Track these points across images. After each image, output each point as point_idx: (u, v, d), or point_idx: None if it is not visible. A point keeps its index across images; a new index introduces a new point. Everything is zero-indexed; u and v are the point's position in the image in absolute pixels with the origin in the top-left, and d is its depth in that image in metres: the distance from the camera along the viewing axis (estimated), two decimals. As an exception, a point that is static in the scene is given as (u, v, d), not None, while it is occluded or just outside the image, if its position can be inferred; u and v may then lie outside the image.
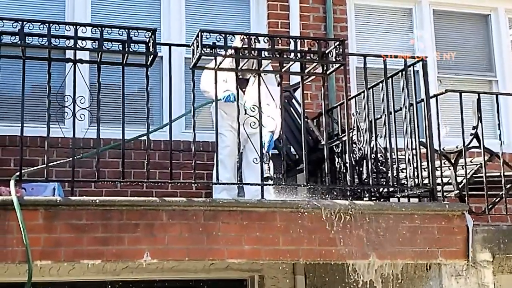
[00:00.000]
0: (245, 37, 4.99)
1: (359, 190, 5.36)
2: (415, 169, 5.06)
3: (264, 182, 4.77)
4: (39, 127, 5.28)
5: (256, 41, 4.88)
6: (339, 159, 5.87)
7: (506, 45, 7.80)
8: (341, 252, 4.67)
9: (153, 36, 4.60)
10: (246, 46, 4.78)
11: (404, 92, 5.15)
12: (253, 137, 5.06)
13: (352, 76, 7.08)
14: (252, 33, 6.62)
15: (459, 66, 7.67)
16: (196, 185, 4.85)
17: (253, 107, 4.77)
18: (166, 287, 6.26)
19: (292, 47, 4.85)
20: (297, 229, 4.61)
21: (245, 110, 4.94)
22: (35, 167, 4.78)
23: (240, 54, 4.75)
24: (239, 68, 4.81)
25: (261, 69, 4.82)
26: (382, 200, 5.29)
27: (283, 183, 4.91)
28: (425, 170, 5.10)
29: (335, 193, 5.33)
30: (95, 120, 4.53)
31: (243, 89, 5.76)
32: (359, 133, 5.45)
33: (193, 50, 4.74)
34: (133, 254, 4.35)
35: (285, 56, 4.89)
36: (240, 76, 5.41)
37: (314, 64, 4.97)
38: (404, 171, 5.20)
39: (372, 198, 5.33)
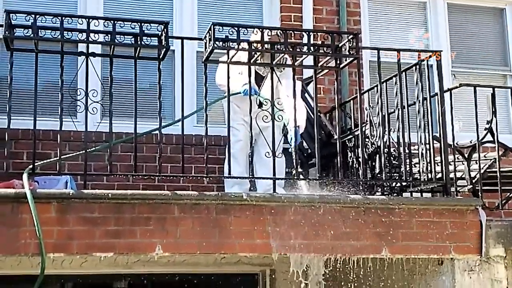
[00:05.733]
0: (261, 30, 4.95)
1: (371, 185, 5.33)
2: (428, 164, 5.03)
3: (295, 177, 4.76)
4: (51, 121, 5.28)
5: (268, 34, 4.86)
6: (352, 153, 5.84)
7: (521, 39, 7.73)
8: (353, 247, 4.66)
9: (165, 30, 4.59)
10: (269, 39, 4.73)
11: (418, 86, 5.11)
12: (265, 131, 5.04)
13: (365, 70, 7.04)
14: (265, 26, 6.60)
15: (473, 60, 7.60)
16: (208, 179, 4.85)
17: (265, 101, 4.75)
18: (177, 280, 6.27)
19: (305, 40, 4.82)
20: (310, 223, 4.59)
21: (261, 103, 4.91)
22: (48, 160, 4.79)
23: (253, 48, 4.73)
24: (252, 61, 4.79)
25: (278, 62, 4.78)
26: (395, 194, 5.26)
27: (295, 178, 4.90)
28: (438, 165, 5.07)
29: (347, 188, 5.30)
30: (108, 113, 4.53)
31: (259, 84, 5.71)
32: (372, 127, 5.42)
33: (206, 43, 4.72)
34: (145, 247, 4.36)
35: (298, 49, 4.86)
36: (257, 72, 5.38)
37: (327, 57, 4.94)
38: (417, 165, 5.17)
39: (385, 193, 5.30)
